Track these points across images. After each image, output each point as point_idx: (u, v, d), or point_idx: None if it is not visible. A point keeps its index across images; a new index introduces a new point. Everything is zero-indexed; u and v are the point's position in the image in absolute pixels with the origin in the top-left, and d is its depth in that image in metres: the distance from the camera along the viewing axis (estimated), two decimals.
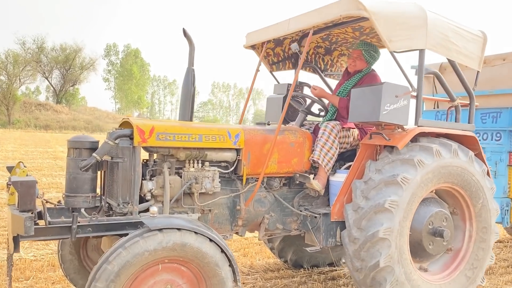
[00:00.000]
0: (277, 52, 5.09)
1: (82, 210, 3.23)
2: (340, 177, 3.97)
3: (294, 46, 3.84)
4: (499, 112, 5.41)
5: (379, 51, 4.32)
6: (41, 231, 2.81)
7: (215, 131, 3.51)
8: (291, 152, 3.86)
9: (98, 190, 3.37)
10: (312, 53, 5.32)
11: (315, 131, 4.27)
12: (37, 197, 2.80)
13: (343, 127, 4.00)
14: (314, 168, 4.03)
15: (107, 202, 3.35)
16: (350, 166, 4.09)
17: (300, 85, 4.80)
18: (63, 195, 3.21)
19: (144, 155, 3.29)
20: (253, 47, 4.92)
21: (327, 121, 4.17)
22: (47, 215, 2.88)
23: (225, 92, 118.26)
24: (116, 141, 3.14)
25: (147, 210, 3.29)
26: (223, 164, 3.66)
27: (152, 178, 3.35)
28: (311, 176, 3.80)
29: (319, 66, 5.37)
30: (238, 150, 3.65)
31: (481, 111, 5.75)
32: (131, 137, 3.21)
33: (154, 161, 3.43)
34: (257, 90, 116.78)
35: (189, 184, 3.40)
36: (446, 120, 4.45)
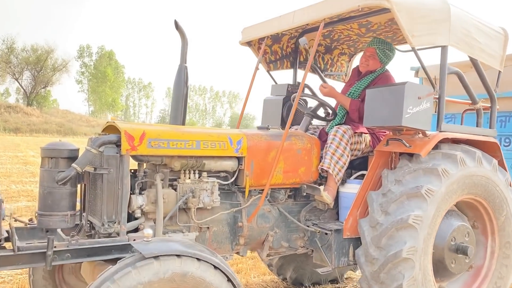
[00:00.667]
0: (275, 49, 4.67)
1: (59, 230, 2.72)
2: (351, 188, 3.56)
3: (303, 41, 3.42)
4: (508, 116, 5.14)
5: (394, 49, 3.95)
6: (7, 260, 2.30)
7: (214, 137, 3.05)
8: (298, 160, 3.43)
9: (78, 207, 2.86)
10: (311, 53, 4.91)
11: (321, 137, 3.86)
12: (3, 218, 2.29)
13: (355, 132, 3.60)
14: (321, 178, 3.62)
15: (89, 221, 2.85)
16: (361, 175, 3.70)
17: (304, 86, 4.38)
18: (36, 214, 2.69)
19: (132, 164, 2.81)
20: (249, 44, 4.48)
21: (336, 125, 3.76)
22: (16, 238, 2.38)
23: (201, 95, 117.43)
24: (100, 149, 2.65)
25: (136, 229, 2.80)
26: (222, 174, 3.20)
27: (142, 192, 2.86)
28: (321, 187, 3.38)
29: (318, 65, 4.97)
30: (239, 159, 3.19)
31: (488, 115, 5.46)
32: (117, 144, 2.72)
33: (144, 172, 2.94)
34: (233, 94, 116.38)
35: (185, 198, 2.93)
36: (461, 124, 4.11)
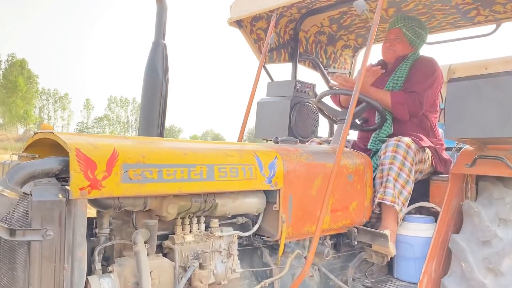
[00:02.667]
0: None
1: None
2: (413, 230, 2.42)
3: (360, 5, 2.18)
4: None
5: (426, 27, 2.90)
6: None
7: (236, 158, 1.74)
8: (349, 191, 2.21)
9: None
10: (313, 42, 3.76)
11: None
12: None
13: (421, 147, 2.46)
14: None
15: None
16: (420, 207, 2.58)
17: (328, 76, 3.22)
18: None
19: (90, 213, 1.43)
20: (239, 24, 3.21)
21: (386, 135, 2.61)
22: None
23: (123, 107, 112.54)
24: (24, 189, 1.25)
25: None
26: (240, 220, 1.89)
27: (109, 268, 1.47)
28: (387, 231, 2.19)
29: (320, 59, 3.82)
30: (270, 193, 1.91)
31: None
32: (61, 178, 1.34)
33: (111, 229, 1.56)
34: None
35: (190, 274, 1.59)
36: None
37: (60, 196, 1.29)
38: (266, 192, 1.90)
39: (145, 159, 1.46)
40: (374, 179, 2.39)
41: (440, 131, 2.91)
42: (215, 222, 1.74)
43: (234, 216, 1.85)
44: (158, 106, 2.05)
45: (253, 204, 1.85)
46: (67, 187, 1.32)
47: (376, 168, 2.44)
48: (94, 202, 1.41)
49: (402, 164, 2.32)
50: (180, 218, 1.68)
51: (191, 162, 1.57)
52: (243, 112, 2.71)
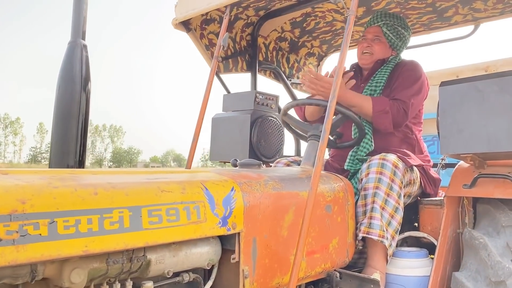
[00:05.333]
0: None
1: None
2: (406, 267, 1.98)
3: None
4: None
5: (410, 28, 2.53)
6: None
7: (176, 194, 1.23)
8: (329, 225, 1.74)
9: None
10: (273, 49, 3.33)
11: None
12: None
13: (410, 166, 2.03)
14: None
15: None
16: (408, 238, 2.16)
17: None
18: None
19: None
20: (187, 27, 2.74)
21: (366, 153, 2.17)
22: None
23: None
24: None
25: None
26: (186, 278, 1.37)
27: None
28: (377, 275, 1.74)
29: (282, 69, 3.39)
30: (227, 238, 1.41)
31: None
32: None
33: None
34: (115, 127, 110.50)
35: None
36: None
37: None
38: (221, 237, 1.40)
39: (27, 207, 0.93)
40: (355, 207, 1.94)
41: (425, 144, 2.52)
42: (148, 287, 1.22)
43: (178, 273, 1.34)
44: (75, 126, 1.56)
45: (204, 255, 1.35)
46: None
47: (356, 193, 2.00)
48: None
49: (390, 187, 1.88)
50: (94, 286, 1.15)
51: (105, 205, 1.06)
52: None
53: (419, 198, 2.26)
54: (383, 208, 1.85)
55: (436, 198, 2.18)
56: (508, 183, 1.80)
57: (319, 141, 2.06)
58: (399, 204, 1.90)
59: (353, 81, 2.18)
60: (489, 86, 1.70)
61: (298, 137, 2.40)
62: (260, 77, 3.25)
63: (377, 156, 1.95)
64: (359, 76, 2.50)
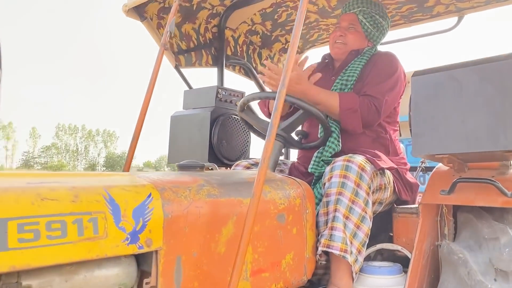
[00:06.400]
0: (187, 32, 2.74)
1: None
2: (376, 286, 1.72)
3: None
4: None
5: (388, 17, 2.28)
6: None
7: (65, 203, 0.96)
8: (281, 238, 1.47)
9: None
10: (244, 43, 3.08)
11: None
12: None
13: (380, 169, 1.77)
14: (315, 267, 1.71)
15: None
16: (383, 250, 1.91)
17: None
18: None
19: None
20: (141, 14, 2.48)
21: (331, 154, 1.92)
22: None
23: (71, 134, 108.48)
24: None
25: None
26: None
27: None
28: None
29: (254, 64, 3.14)
30: (143, 257, 1.14)
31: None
32: None
33: None
34: (108, 132, 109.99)
35: None
36: None
37: None
38: (138, 256, 1.14)
39: None
40: (317, 215, 1.68)
41: (401, 146, 2.27)
42: None
43: None
44: None
45: (111, 278, 1.08)
46: None
47: (320, 200, 1.74)
48: None
49: (355, 193, 1.62)
50: None
51: None
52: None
53: (395, 205, 2.01)
54: (346, 217, 1.60)
55: (411, 206, 1.93)
56: (491, 188, 1.55)
57: (280, 141, 1.82)
58: (366, 212, 1.64)
59: (318, 75, 1.93)
60: (469, 76, 1.45)
61: (258, 136, 2.14)
62: (232, 74, 3.01)
63: (342, 158, 1.70)
64: (330, 68, 2.26)
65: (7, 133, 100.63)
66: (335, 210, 1.60)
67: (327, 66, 2.28)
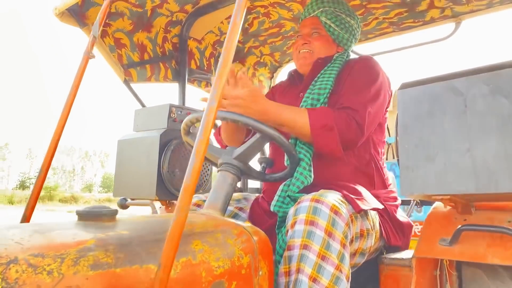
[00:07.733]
0: (140, 42, 2.36)
1: None
2: None
3: None
4: None
5: (357, 17, 1.89)
6: None
7: None
8: None
9: None
10: (211, 55, 2.70)
11: (255, 220, 1.59)
12: None
13: (360, 211, 1.36)
14: None
15: None
16: None
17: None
18: None
19: None
20: (81, 21, 2.10)
21: (299, 188, 1.50)
22: None
23: (68, 155, 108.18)
24: None
25: None
26: None
27: None
28: None
29: None
30: None
31: None
32: None
33: None
34: (105, 153, 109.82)
35: None
36: None
37: None
38: None
39: None
40: (277, 275, 1.26)
41: (390, 176, 1.86)
42: None
43: None
44: None
45: None
46: None
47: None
48: None
49: (326, 246, 1.21)
50: None
51: None
52: None
53: (384, 252, 1.59)
54: (314, 280, 1.18)
55: (403, 256, 1.51)
56: (508, 239, 1.14)
57: (233, 173, 1.41)
58: (341, 271, 1.22)
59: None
60: (475, 86, 1.06)
61: (211, 164, 1.74)
62: (193, 89, 2.62)
63: (309, 197, 1.28)
64: (297, 84, 1.86)
65: (3, 154, 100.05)
66: (298, 271, 1.18)
67: (293, 82, 1.89)
